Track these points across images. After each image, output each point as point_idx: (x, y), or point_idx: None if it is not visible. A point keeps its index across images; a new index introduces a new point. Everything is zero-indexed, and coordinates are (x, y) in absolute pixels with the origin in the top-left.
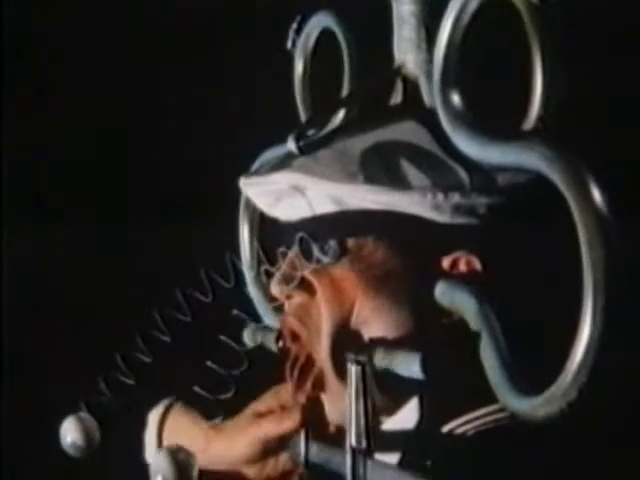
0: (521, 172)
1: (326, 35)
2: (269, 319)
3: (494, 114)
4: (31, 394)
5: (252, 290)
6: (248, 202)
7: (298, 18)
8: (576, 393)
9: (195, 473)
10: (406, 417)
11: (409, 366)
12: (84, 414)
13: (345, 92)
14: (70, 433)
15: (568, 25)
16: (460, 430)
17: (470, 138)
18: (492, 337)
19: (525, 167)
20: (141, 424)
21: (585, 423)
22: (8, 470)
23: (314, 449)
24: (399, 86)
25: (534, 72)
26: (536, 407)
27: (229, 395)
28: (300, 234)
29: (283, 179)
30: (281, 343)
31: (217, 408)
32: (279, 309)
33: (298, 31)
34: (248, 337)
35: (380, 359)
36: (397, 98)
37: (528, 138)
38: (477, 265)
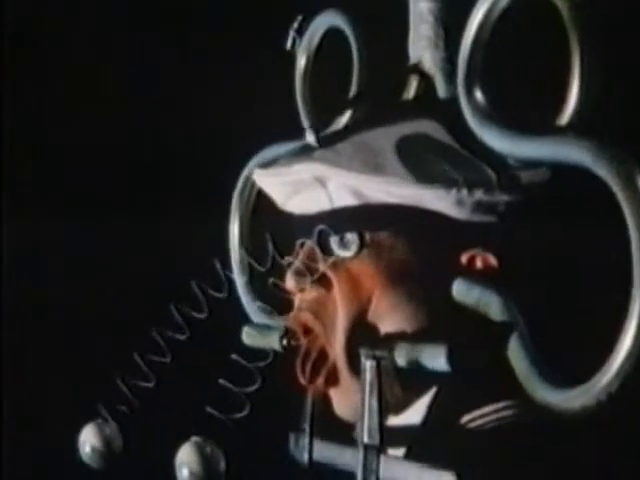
0: (547, 168)
1: (331, 33)
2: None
3: (525, 110)
4: (31, 395)
5: (243, 297)
6: (239, 204)
7: (299, 18)
8: (618, 385)
9: (224, 467)
10: (418, 411)
11: (435, 359)
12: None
13: (352, 90)
14: (89, 440)
15: (606, 20)
16: (476, 423)
17: (499, 133)
18: (519, 330)
19: (565, 161)
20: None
21: (621, 416)
22: None
23: (319, 446)
24: (414, 84)
25: (572, 67)
26: (571, 399)
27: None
28: (319, 227)
29: (306, 169)
30: (285, 341)
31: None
32: (283, 307)
33: (299, 31)
34: (246, 337)
35: (405, 353)
36: (410, 95)
37: (568, 132)
38: (493, 262)
